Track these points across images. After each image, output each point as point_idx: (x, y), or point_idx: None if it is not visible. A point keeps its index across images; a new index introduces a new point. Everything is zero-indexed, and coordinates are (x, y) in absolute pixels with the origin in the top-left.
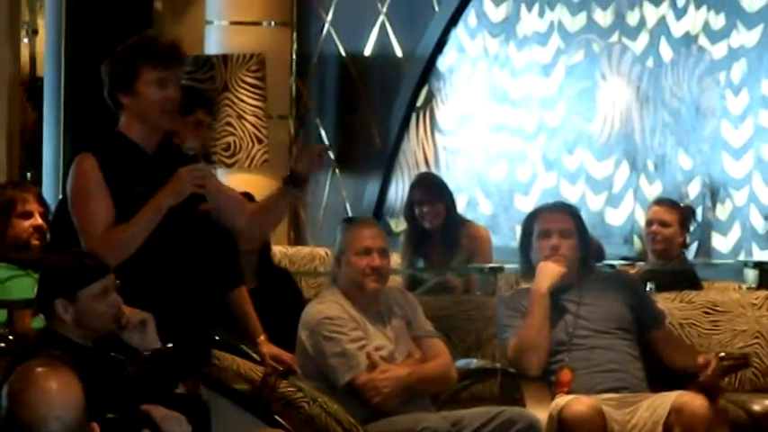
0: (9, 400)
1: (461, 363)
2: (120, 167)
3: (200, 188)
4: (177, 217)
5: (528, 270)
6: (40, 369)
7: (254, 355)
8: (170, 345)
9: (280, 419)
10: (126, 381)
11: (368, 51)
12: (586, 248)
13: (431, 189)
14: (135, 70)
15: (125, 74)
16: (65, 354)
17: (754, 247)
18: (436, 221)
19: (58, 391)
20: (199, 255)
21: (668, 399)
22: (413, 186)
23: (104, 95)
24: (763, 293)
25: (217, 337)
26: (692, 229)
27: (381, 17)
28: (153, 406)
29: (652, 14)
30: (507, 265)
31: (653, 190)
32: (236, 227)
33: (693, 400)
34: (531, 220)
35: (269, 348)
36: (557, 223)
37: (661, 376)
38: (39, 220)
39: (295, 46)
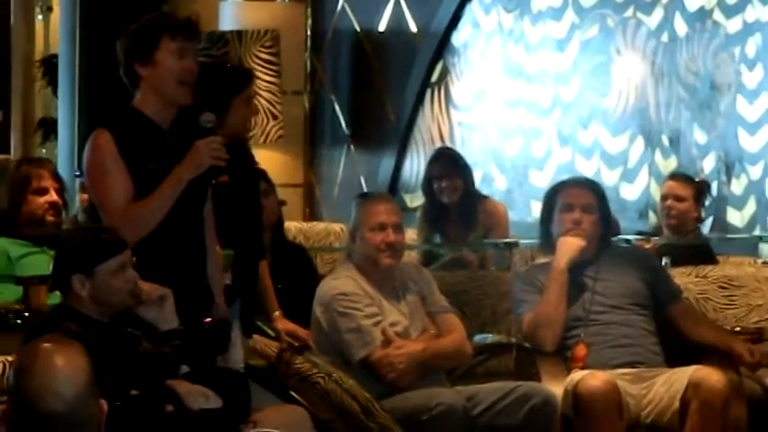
0: (15, 375)
1: (477, 338)
2: (136, 143)
3: (219, 161)
4: (194, 191)
5: (546, 244)
6: (46, 345)
7: (269, 330)
8: (181, 326)
9: (295, 395)
10: (143, 356)
11: (382, 27)
12: (607, 225)
13: (450, 164)
14: (155, 41)
15: (144, 44)
16: (81, 328)
17: None
18: (454, 196)
19: (61, 368)
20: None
21: (685, 373)
22: (431, 161)
23: (120, 72)
24: None
25: None
26: (706, 203)
27: None
28: (178, 381)
29: None
30: (522, 241)
31: (668, 165)
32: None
33: (711, 375)
34: (553, 194)
35: (284, 324)
36: (580, 198)
37: (677, 351)
38: (54, 197)
39: (309, 21)
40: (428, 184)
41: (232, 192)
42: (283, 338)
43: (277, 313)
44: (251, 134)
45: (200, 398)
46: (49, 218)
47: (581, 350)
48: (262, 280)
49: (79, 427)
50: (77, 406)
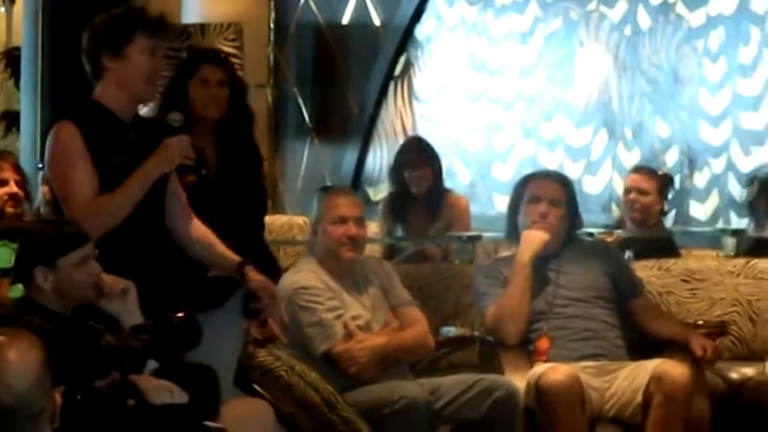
0: None
1: (441, 331)
2: (98, 136)
3: (188, 160)
4: (159, 187)
5: (513, 234)
6: (0, 338)
7: None
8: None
9: (258, 388)
10: (105, 350)
11: (345, 20)
12: (573, 220)
13: (421, 153)
14: (128, 36)
15: (116, 38)
16: (43, 321)
17: (732, 215)
18: (423, 186)
19: (12, 361)
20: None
21: (648, 367)
22: (403, 149)
23: (82, 60)
24: (740, 261)
25: None
26: (669, 196)
27: None
28: (141, 376)
29: None
30: (485, 234)
31: (631, 158)
32: (176, 230)
33: (674, 369)
34: (522, 185)
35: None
36: (547, 191)
37: (641, 345)
38: (14, 188)
39: (272, 14)
40: (397, 173)
41: (213, 187)
42: (252, 332)
43: None
44: None
45: (164, 393)
46: (9, 209)
47: (544, 343)
48: None
49: (30, 419)
50: (28, 399)
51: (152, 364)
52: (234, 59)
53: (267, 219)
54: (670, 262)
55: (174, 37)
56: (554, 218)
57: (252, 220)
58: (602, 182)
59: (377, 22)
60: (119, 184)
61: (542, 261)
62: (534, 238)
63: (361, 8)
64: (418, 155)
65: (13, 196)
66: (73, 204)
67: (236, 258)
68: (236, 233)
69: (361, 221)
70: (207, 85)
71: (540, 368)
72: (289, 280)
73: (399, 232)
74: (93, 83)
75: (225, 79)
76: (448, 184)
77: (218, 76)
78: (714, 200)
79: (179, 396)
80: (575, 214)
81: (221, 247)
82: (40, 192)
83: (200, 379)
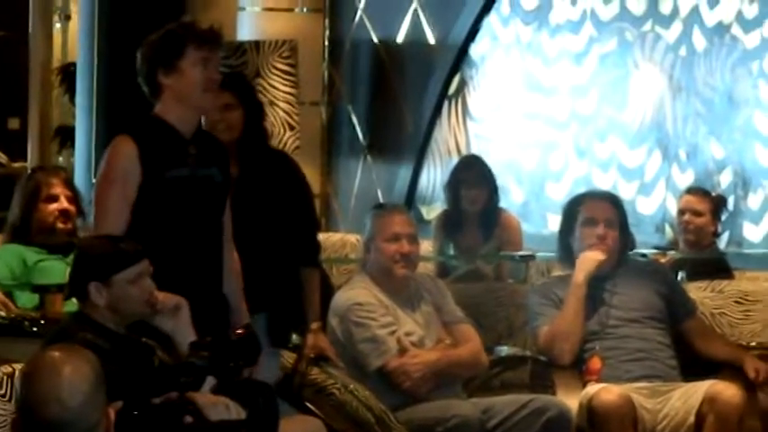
0: (21, 382)
1: (493, 350)
2: (157, 150)
3: None
4: (213, 200)
5: (566, 257)
6: (54, 353)
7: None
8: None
9: (311, 406)
10: (159, 367)
11: (400, 38)
12: (625, 240)
13: (479, 172)
14: (180, 50)
15: (169, 53)
16: (97, 337)
17: None
18: (478, 204)
19: (66, 376)
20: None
21: (701, 388)
22: (460, 167)
23: (139, 80)
24: None
25: None
26: (723, 218)
27: (414, 4)
28: (199, 393)
29: (685, 3)
30: (538, 253)
31: (685, 179)
32: None
33: (726, 390)
34: (574, 206)
35: (316, 338)
36: (603, 212)
37: (694, 366)
38: (65, 204)
39: (327, 32)
40: (453, 190)
41: (255, 196)
42: (307, 352)
43: (315, 325)
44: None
45: (222, 409)
46: (60, 225)
47: (595, 363)
48: (309, 287)
49: None
50: (81, 414)
51: (210, 381)
52: (288, 77)
53: (321, 236)
54: (723, 283)
55: (230, 53)
56: (611, 239)
57: (277, 240)
58: (655, 203)
59: (432, 40)
60: (178, 198)
61: (596, 281)
62: (590, 259)
63: (416, 27)
64: (475, 173)
65: (63, 212)
66: (98, 226)
67: (244, 320)
68: (257, 253)
69: (413, 239)
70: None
71: (592, 389)
72: (343, 296)
73: (451, 251)
74: (153, 101)
75: (233, 102)
76: (501, 203)
77: (224, 100)
78: None
79: (236, 413)
80: (627, 233)
81: (240, 298)
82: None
83: (258, 396)
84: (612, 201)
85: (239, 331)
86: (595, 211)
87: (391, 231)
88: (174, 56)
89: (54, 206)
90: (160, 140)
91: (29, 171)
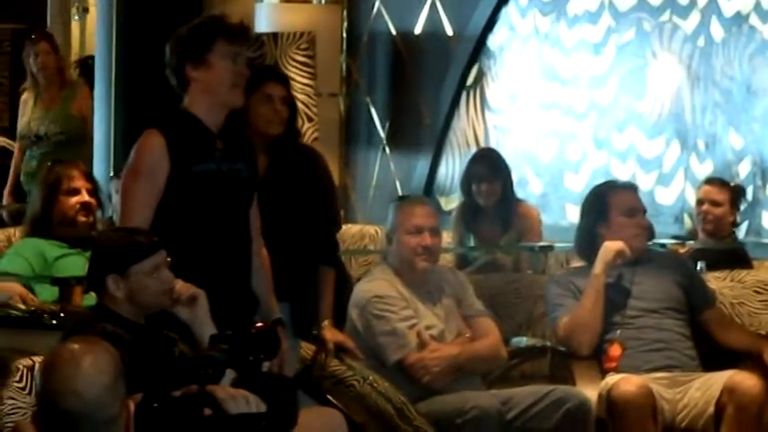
0: (41, 375)
1: (512, 341)
2: (185, 144)
3: None
4: (241, 194)
5: (587, 247)
6: (73, 345)
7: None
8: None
9: (330, 397)
10: (179, 358)
11: (418, 29)
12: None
13: (491, 166)
14: (209, 43)
15: (198, 46)
16: (118, 329)
17: None
18: (491, 198)
19: (84, 368)
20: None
21: (720, 378)
22: (473, 161)
23: (167, 74)
24: None
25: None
26: (742, 208)
27: None
28: (219, 386)
29: None
30: (557, 244)
31: (703, 169)
32: None
33: (746, 380)
34: (600, 197)
35: (333, 334)
36: (638, 202)
37: (713, 356)
38: (85, 197)
39: (345, 24)
40: (467, 184)
41: (282, 192)
42: (330, 348)
43: (326, 322)
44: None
45: (242, 402)
46: (81, 218)
47: (616, 350)
48: (323, 285)
49: (103, 426)
50: (100, 406)
51: (230, 375)
52: (306, 68)
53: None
54: (742, 273)
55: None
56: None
57: (299, 234)
58: (674, 193)
59: (449, 31)
60: (204, 193)
61: (615, 272)
62: (611, 250)
63: (434, 18)
64: (487, 167)
65: (84, 205)
66: (124, 219)
67: (274, 315)
68: (281, 245)
69: (436, 232)
70: (271, 101)
71: (611, 379)
72: (362, 289)
73: (471, 242)
74: (181, 95)
75: (287, 97)
76: (520, 194)
77: (282, 93)
78: None
79: (256, 406)
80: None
81: (269, 294)
82: (112, 200)
83: (278, 389)
84: (635, 190)
85: (259, 324)
86: (634, 202)
87: (414, 224)
88: (203, 49)
89: (75, 199)
90: (188, 134)
91: (48, 164)
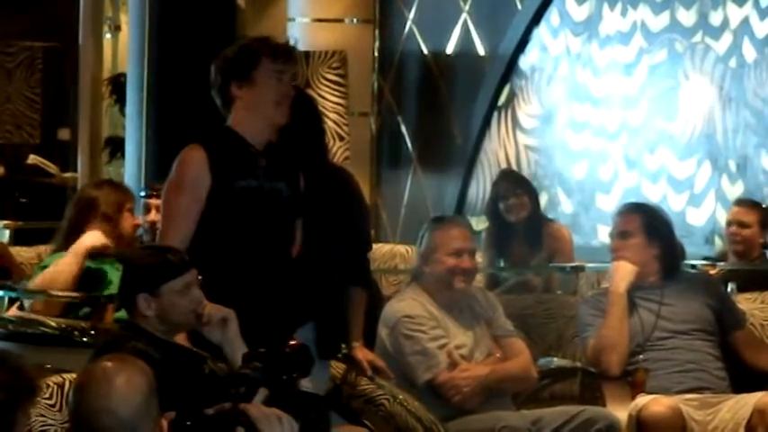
0: (74, 393)
1: (542, 362)
2: (227, 160)
3: None
4: (283, 226)
5: None
6: (106, 364)
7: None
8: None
9: (360, 416)
10: (209, 377)
11: (450, 49)
12: (669, 250)
13: (516, 182)
14: (255, 61)
15: (244, 64)
16: (149, 347)
17: None
18: (521, 214)
19: (118, 386)
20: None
21: (751, 400)
22: (497, 181)
23: (212, 93)
24: None
25: None
26: None
27: (464, 15)
28: (252, 404)
29: (735, 14)
30: (588, 264)
31: (735, 190)
32: None
33: None
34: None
35: (364, 354)
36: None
37: (744, 377)
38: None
39: (377, 43)
40: (494, 205)
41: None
42: (365, 368)
43: (357, 343)
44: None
45: (274, 421)
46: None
47: (640, 376)
48: (354, 307)
49: None
50: (134, 425)
51: (262, 392)
52: (338, 87)
53: None
54: None
55: None
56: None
57: (329, 254)
58: (705, 214)
59: (481, 51)
60: (245, 209)
61: (644, 292)
62: (624, 269)
63: (466, 38)
64: (512, 183)
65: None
66: (164, 233)
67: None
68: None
69: (473, 254)
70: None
71: (641, 400)
72: (393, 309)
73: (501, 263)
74: (223, 112)
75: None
76: (551, 214)
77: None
78: None
79: (288, 424)
80: (669, 243)
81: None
82: (142, 219)
83: (310, 408)
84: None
85: (293, 342)
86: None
87: (454, 246)
88: (249, 67)
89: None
90: (230, 150)
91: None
